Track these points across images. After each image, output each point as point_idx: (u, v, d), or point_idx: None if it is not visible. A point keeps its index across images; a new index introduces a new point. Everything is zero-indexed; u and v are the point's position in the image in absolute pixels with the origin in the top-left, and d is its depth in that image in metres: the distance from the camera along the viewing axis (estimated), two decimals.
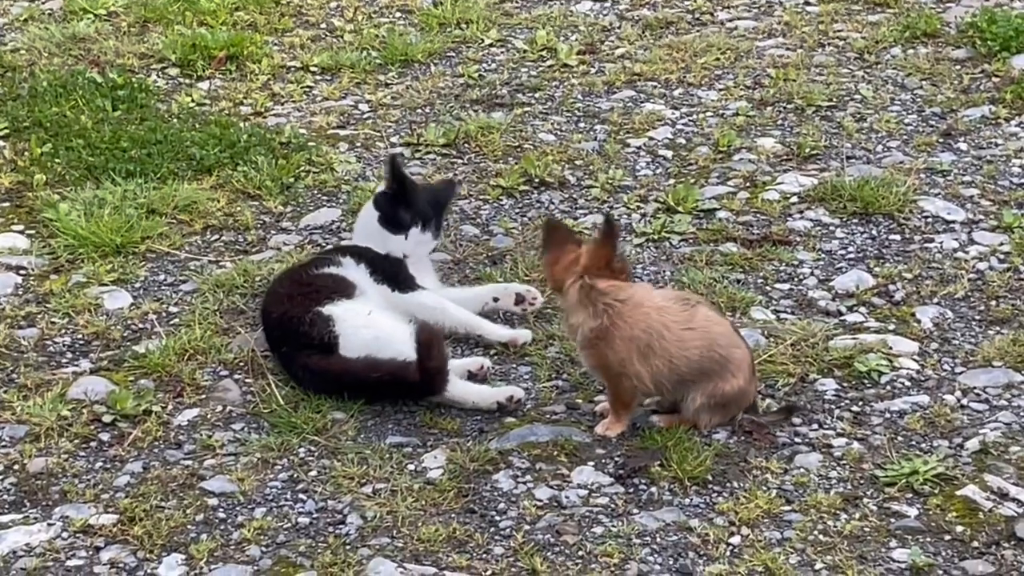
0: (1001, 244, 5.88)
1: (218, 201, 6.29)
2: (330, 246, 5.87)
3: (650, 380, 4.76)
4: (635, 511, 4.54)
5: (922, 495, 4.58)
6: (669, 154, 6.63)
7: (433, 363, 4.93)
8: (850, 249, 5.87)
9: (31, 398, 5.07)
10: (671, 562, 4.34)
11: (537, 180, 6.39)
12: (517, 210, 6.22)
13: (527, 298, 5.48)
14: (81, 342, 5.41)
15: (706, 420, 4.83)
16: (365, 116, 7.09)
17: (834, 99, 7.07)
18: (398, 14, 8.24)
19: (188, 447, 4.86)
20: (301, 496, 4.63)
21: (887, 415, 4.95)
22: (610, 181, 6.35)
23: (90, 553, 4.41)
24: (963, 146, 6.63)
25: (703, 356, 4.77)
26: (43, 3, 8.36)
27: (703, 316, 4.83)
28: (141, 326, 5.49)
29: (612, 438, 4.83)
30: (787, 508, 4.54)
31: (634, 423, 4.89)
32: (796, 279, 5.70)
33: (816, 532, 4.45)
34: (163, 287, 5.74)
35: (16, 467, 4.77)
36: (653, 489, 4.62)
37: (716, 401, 4.80)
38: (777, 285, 5.67)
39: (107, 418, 4.97)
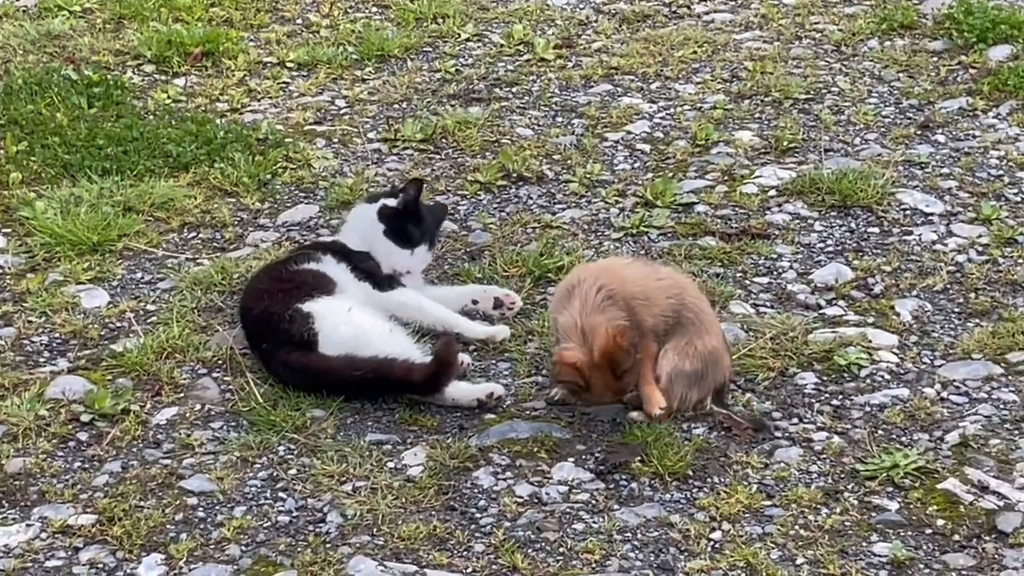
0: (980, 236, 5.88)
1: (195, 198, 6.26)
2: (308, 242, 5.85)
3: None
4: (616, 507, 4.53)
5: (903, 489, 4.58)
6: (647, 148, 6.62)
7: (446, 371, 4.94)
8: (829, 242, 5.87)
9: (8, 398, 5.04)
10: (652, 558, 4.34)
11: (515, 175, 6.37)
12: (495, 205, 6.20)
13: (506, 302, 5.46)
14: (58, 341, 5.39)
15: (680, 394, 4.81)
16: (342, 112, 7.07)
17: (811, 92, 7.07)
18: (374, 9, 8.22)
19: (167, 446, 4.85)
20: (281, 495, 4.61)
21: (867, 409, 4.95)
22: (588, 175, 6.34)
23: (69, 554, 4.39)
24: (941, 138, 6.63)
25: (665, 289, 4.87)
26: (17, 0, 8.32)
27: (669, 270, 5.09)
28: (118, 324, 5.47)
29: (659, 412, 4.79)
30: (768, 503, 4.54)
31: (613, 418, 4.89)
32: (775, 273, 5.70)
33: (797, 527, 4.45)
34: (140, 285, 5.71)
35: None
36: (634, 485, 4.62)
37: (690, 364, 4.79)
38: (756, 279, 5.67)
39: (85, 417, 4.95)
